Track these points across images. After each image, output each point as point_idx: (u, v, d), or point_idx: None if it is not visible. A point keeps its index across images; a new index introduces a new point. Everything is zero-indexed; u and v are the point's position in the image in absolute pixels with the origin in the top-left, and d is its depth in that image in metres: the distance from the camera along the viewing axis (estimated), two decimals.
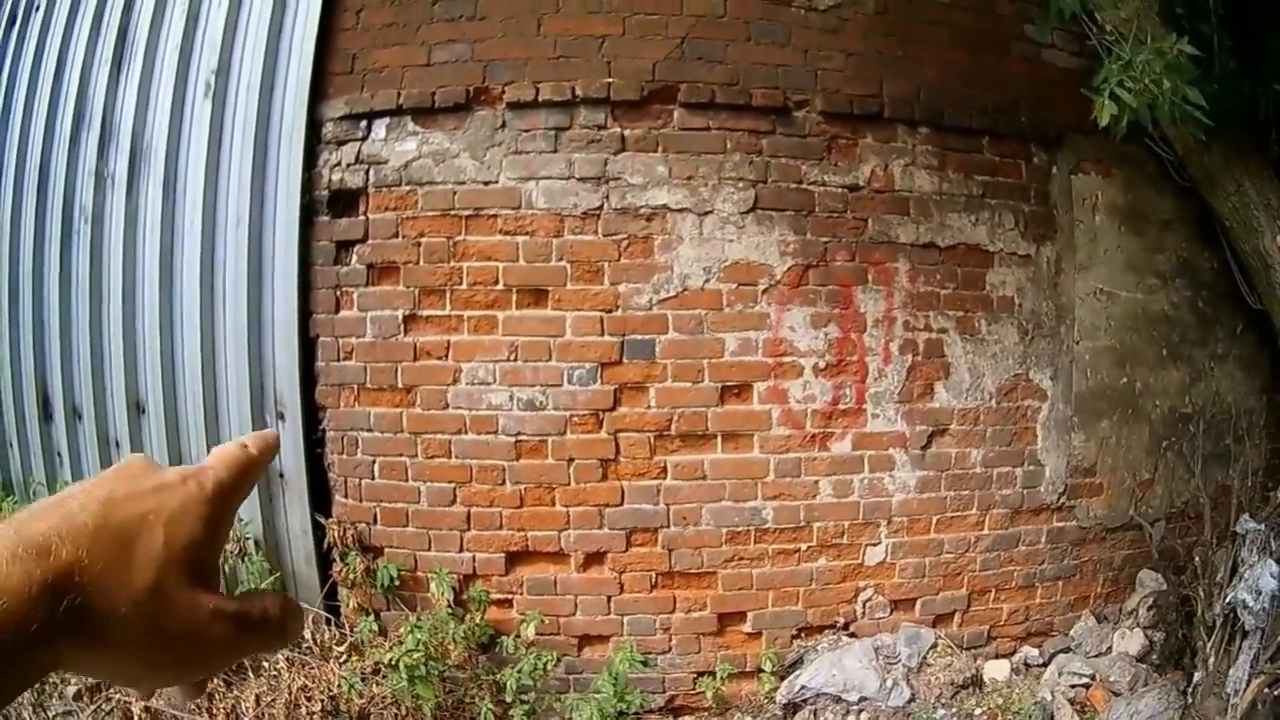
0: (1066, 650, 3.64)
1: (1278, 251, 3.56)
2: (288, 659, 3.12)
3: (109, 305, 3.82)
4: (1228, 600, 3.49)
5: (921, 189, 3.37)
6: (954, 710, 3.29)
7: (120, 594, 0.45)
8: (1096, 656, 3.61)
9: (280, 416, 3.47)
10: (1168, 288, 3.87)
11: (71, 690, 3.13)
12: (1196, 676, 3.53)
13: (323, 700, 3.02)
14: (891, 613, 3.41)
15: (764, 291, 3.22)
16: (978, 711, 3.31)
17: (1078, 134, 3.61)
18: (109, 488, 0.48)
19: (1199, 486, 3.82)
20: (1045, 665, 3.59)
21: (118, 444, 3.86)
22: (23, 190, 4.25)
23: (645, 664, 3.24)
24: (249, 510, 3.49)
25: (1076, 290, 3.60)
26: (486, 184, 3.23)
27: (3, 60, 4.63)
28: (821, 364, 3.26)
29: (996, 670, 3.50)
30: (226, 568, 3.47)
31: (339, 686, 3.06)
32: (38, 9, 4.57)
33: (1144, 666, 3.57)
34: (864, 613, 3.39)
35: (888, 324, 3.32)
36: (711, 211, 3.21)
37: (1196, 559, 3.74)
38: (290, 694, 3.01)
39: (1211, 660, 3.47)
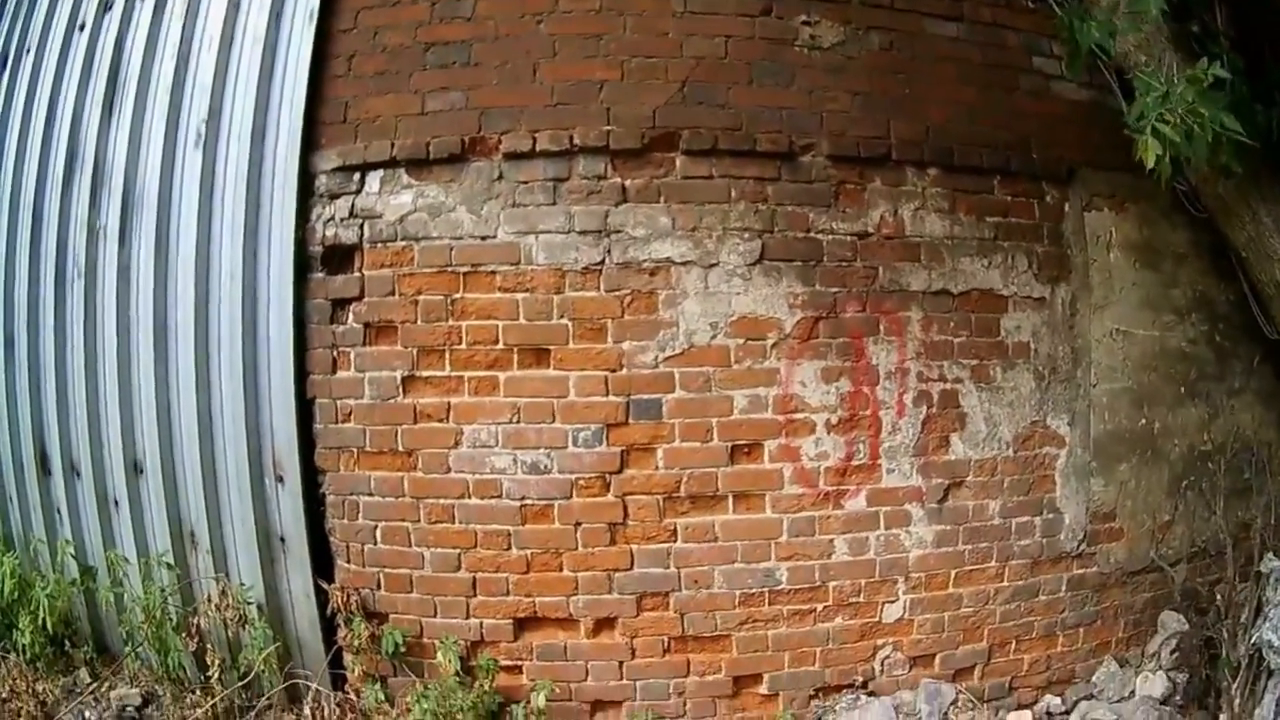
0: (1089, 697, 3.56)
1: None
2: None
3: (104, 363, 3.72)
4: (1252, 641, 3.40)
5: (933, 234, 3.27)
6: None
7: None
8: (1119, 702, 3.54)
9: (280, 479, 3.38)
10: (1184, 323, 3.76)
11: None
12: (1222, 718, 3.46)
13: None
14: (911, 669, 3.32)
15: (773, 346, 3.13)
16: None
17: (1089, 169, 3.50)
18: None
19: (1220, 524, 3.72)
20: (1068, 713, 3.51)
21: (116, 503, 3.76)
22: (16, 236, 4.13)
23: None
24: (251, 575, 3.41)
25: (1093, 331, 3.50)
26: (484, 239, 3.13)
27: None
28: (834, 420, 3.17)
29: None
30: (229, 634, 3.40)
31: None
32: (29, 51, 4.46)
33: (1168, 709, 3.50)
34: (883, 670, 3.30)
35: (901, 376, 3.22)
36: (717, 264, 3.10)
37: (1219, 599, 3.65)
38: None
39: (1237, 701, 3.40)
